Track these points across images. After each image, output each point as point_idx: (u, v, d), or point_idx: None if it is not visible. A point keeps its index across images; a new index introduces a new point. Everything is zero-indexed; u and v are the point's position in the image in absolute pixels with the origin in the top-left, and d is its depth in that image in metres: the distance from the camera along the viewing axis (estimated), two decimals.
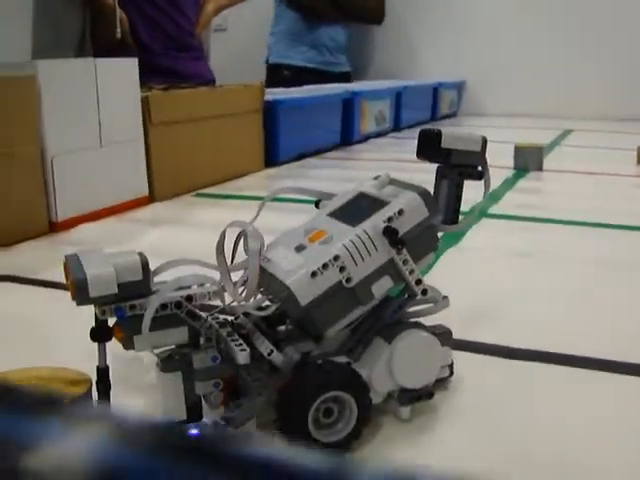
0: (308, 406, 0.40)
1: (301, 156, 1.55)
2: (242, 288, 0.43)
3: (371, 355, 0.43)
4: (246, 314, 0.45)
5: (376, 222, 0.43)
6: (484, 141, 0.47)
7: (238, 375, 0.42)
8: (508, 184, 1.27)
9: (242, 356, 0.40)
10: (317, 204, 0.49)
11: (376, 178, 0.48)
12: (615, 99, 2.54)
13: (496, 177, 1.29)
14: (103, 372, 0.41)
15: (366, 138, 1.86)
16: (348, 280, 0.42)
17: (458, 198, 0.47)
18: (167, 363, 0.41)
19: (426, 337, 0.44)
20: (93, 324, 0.41)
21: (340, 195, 0.48)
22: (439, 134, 0.46)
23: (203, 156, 1.25)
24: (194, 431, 0.30)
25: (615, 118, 2.45)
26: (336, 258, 0.41)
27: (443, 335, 0.45)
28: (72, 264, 0.39)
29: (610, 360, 0.54)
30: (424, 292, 0.44)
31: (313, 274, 0.41)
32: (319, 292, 0.41)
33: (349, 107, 1.76)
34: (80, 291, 0.38)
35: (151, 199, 1.11)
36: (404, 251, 0.42)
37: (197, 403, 0.42)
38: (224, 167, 1.31)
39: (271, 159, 1.44)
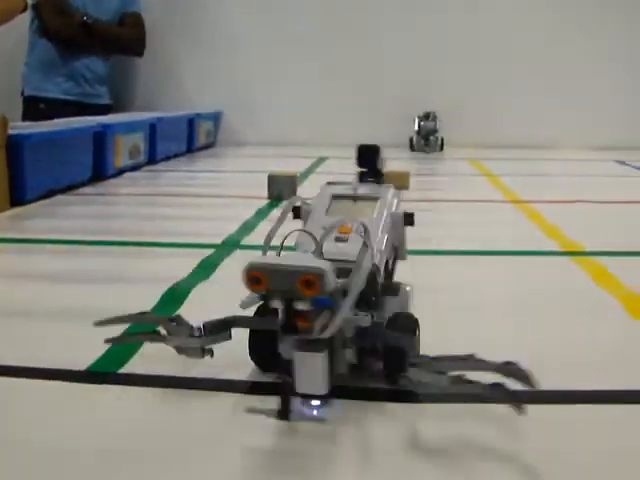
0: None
1: (51, 192, 1.48)
2: None
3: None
4: None
5: (390, 210, 0.56)
6: None
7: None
8: (262, 214, 1.27)
9: (365, 321, 0.49)
10: (296, 211, 0.57)
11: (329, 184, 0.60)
12: (363, 127, 2.65)
13: (249, 207, 1.31)
14: None
15: (120, 172, 1.82)
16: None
17: None
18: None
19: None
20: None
21: (319, 201, 0.57)
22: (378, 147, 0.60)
23: None
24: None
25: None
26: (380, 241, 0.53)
27: None
28: None
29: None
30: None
31: (381, 255, 0.52)
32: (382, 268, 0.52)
33: (101, 141, 1.71)
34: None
35: None
36: None
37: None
38: None
39: (17, 197, 1.37)
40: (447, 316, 0.70)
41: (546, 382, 0.47)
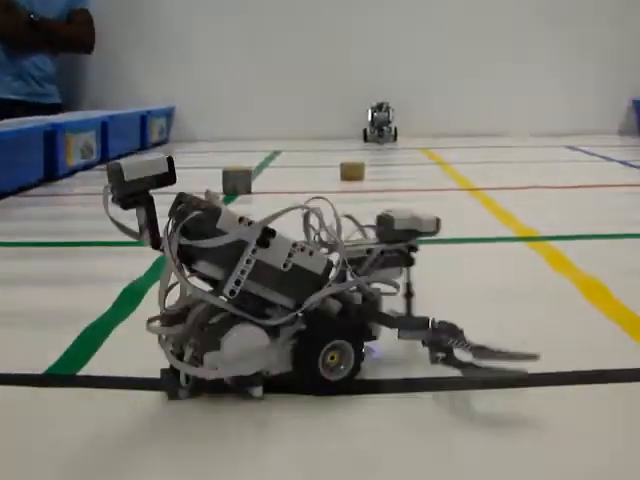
0: None
1: (2, 195, 1.46)
2: None
3: None
4: None
5: None
6: None
7: None
8: None
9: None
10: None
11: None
12: (316, 119, 2.65)
13: None
14: None
15: (73, 172, 1.80)
16: None
17: None
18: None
19: None
20: None
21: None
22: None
23: None
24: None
25: (319, 137, 2.54)
26: None
27: None
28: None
29: None
30: None
31: None
32: None
33: (52, 140, 1.69)
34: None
35: None
36: None
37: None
38: None
39: None
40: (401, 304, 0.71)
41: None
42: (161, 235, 0.49)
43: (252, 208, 1.35)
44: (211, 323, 0.51)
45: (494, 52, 2.68)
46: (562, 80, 2.70)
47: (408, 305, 0.60)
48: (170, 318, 0.51)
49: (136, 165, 0.48)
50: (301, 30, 2.68)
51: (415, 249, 0.59)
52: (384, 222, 0.59)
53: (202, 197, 0.52)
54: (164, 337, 0.51)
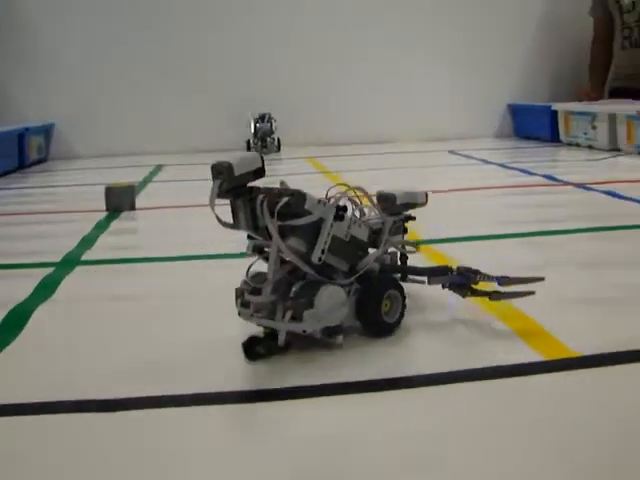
0: None
1: None
2: None
3: None
4: None
5: None
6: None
7: None
8: (101, 227, 1.24)
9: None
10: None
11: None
12: (199, 132, 2.64)
13: (88, 221, 1.28)
14: None
15: None
16: None
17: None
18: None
19: None
20: None
21: None
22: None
23: None
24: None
25: (202, 150, 2.53)
26: None
27: None
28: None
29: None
30: None
31: None
32: None
33: None
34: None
35: None
36: None
37: None
38: None
39: None
40: None
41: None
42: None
43: (137, 224, 1.33)
44: (296, 290, 0.61)
45: (373, 60, 2.72)
46: (442, 86, 2.77)
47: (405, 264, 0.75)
48: (255, 290, 0.62)
49: (240, 162, 0.59)
50: (180, 44, 2.66)
51: (413, 219, 0.73)
52: (386, 198, 0.71)
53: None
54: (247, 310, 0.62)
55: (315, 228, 0.61)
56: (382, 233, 0.69)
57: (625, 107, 2.10)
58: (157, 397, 0.54)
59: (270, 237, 0.60)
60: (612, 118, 2.10)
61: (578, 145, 2.26)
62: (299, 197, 0.60)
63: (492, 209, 1.31)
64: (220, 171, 0.59)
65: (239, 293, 0.63)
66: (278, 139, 2.54)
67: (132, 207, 1.41)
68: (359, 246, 0.65)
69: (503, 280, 0.69)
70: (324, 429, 0.49)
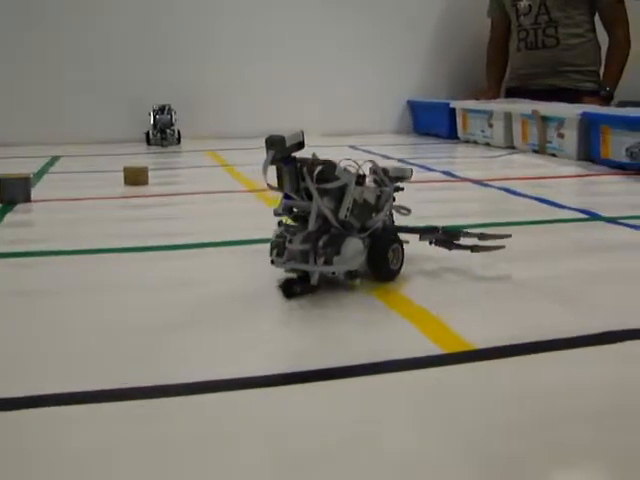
0: None
1: None
2: None
3: None
4: None
5: None
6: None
7: None
8: None
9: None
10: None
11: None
12: (96, 123, 2.58)
13: None
14: None
15: None
16: None
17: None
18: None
19: None
20: None
21: None
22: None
23: None
24: None
25: (100, 141, 2.48)
26: None
27: None
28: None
29: None
30: None
31: None
32: None
33: None
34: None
35: None
36: None
37: None
38: None
39: None
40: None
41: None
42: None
43: (34, 217, 1.30)
44: (324, 241, 0.75)
45: (280, 53, 2.72)
46: (343, 81, 2.78)
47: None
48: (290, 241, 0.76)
49: (289, 136, 0.73)
50: (77, 31, 2.59)
51: (402, 189, 0.86)
52: (379, 171, 0.84)
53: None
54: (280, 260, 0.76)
55: (340, 191, 0.75)
56: (385, 199, 0.82)
57: (521, 106, 2.16)
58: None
59: (308, 198, 0.75)
60: (508, 117, 2.15)
61: (476, 142, 2.31)
62: (330, 166, 0.75)
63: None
64: (274, 143, 0.73)
65: (274, 245, 0.77)
66: (178, 131, 2.50)
67: (27, 199, 1.37)
68: (369, 208, 0.79)
69: (482, 236, 0.86)
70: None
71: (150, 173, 1.58)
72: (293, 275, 0.78)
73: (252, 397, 0.53)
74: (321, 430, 0.47)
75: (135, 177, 1.55)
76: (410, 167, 0.88)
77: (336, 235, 0.75)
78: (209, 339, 0.64)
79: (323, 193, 0.74)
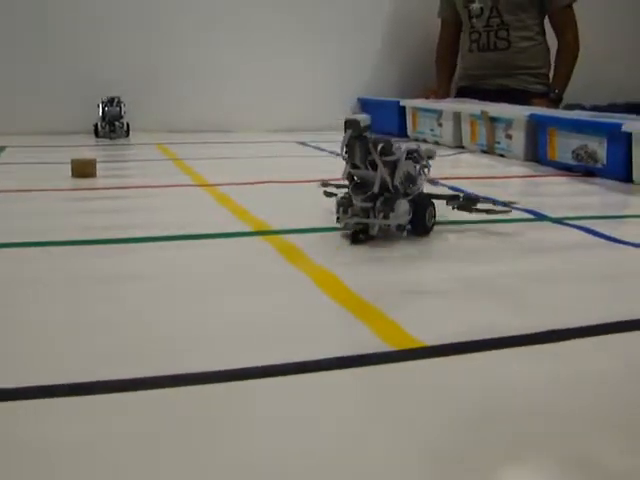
0: None
1: None
2: None
3: None
4: None
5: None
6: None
7: None
8: None
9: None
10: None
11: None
12: (43, 114, 2.54)
13: None
14: None
15: None
16: None
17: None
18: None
19: None
20: None
21: None
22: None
23: None
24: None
25: (47, 132, 2.44)
26: None
27: None
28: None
29: None
30: None
31: None
32: None
33: None
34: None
35: None
36: None
37: None
38: None
39: None
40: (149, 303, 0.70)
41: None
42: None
43: None
44: (381, 201, 0.93)
45: (230, 47, 2.70)
46: (294, 78, 2.78)
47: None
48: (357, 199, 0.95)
49: (362, 119, 0.92)
50: (25, 21, 2.55)
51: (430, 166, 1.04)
52: (418, 150, 1.02)
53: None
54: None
55: (394, 164, 0.94)
56: (420, 172, 1.01)
57: (470, 107, 2.17)
58: None
59: (372, 168, 0.93)
60: (457, 116, 2.17)
61: (425, 141, 2.32)
62: (388, 143, 0.94)
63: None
64: (352, 123, 0.91)
65: (340, 203, 0.97)
66: (127, 124, 2.48)
67: None
68: (411, 178, 0.98)
69: (497, 202, 1.11)
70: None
71: (98, 165, 1.56)
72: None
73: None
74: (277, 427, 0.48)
75: (83, 169, 1.53)
76: (435, 149, 1.11)
77: (389, 197, 0.94)
78: None
79: (383, 164, 0.92)
